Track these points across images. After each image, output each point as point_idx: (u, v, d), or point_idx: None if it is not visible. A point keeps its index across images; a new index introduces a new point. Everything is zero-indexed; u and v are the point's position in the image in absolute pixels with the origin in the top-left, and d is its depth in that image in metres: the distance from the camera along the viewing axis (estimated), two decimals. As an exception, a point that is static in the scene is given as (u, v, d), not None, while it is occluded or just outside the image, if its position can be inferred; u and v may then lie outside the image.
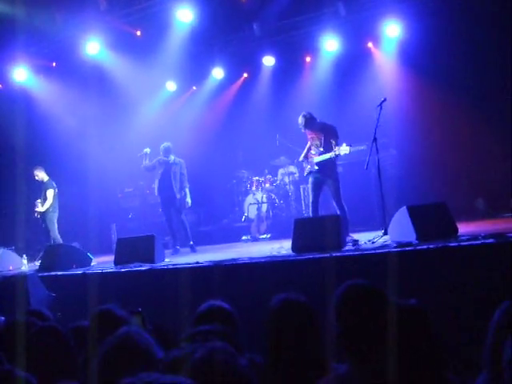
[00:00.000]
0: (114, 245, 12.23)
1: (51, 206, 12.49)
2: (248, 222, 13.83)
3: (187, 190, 11.63)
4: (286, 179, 13.95)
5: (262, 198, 13.78)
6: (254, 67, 15.11)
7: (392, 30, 12.78)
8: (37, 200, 12.53)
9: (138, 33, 13.55)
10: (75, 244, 12.16)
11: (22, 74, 14.40)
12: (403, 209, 7.49)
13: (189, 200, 11.63)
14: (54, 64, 14.67)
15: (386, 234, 7.99)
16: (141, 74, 13.91)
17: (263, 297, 6.42)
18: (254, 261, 7.49)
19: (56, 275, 9.25)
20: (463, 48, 11.86)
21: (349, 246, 7.76)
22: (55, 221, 12.55)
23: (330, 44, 13.50)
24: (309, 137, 9.86)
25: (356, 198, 11.42)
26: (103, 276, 8.42)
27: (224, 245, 12.70)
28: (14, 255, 11.76)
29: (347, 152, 9.22)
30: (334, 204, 9.51)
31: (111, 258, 9.96)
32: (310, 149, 9.85)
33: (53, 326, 3.71)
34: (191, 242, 11.57)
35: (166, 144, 11.70)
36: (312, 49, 14.14)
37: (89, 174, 14.72)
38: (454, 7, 11.86)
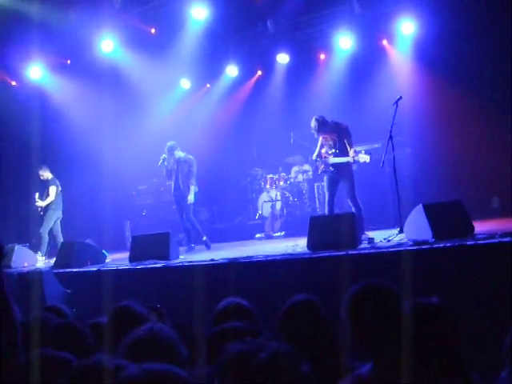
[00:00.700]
0: (128, 242, 12.33)
1: (53, 202, 12.50)
2: (262, 220, 13.81)
3: (192, 188, 11.51)
4: (300, 177, 13.91)
5: (276, 195, 13.76)
6: (268, 65, 15.06)
7: (407, 28, 12.72)
8: (36, 194, 12.51)
9: (153, 30, 13.61)
10: (89, 241, 12.21)
11: (36, 72, 14.50)
12: (419, 207, 7.44)
13: (191, 197, 11.47)
14: (68, 62, 14.74)
15: (401, 232, 7.95)
16: (155, 72, 13.94)
17: (279, 294, 6.47)
18: (269, 258, 7.47)
19: (71, 272, 9.29)
20: (479, 46, 11.75)
21: (364, 244, 7.72)
22: (53, 219, 12.53)
23: (345, 41, 13.44)
24: (322, 137, 9.82)
25: (370, 196, 11.37)
26: (118, 273, 8.45)
27: (238, 242, 12.67)
28: (28, 252, 11.81)
29: (367, 161, 9.18)
30: (349, 202, 9.48)
31: (125, 255, 9.99)
32: (322, 146, 9.80)
33: (71, 322, 3.72)
34: (204, 238, 11.52)
35: (169, 143, 11.66)
36: (326, 46, 14.08)
37: (103, 171, 14.79)
38: (470, 3, 11.76)
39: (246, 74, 15.54)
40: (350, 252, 6.78)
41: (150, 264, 8.48)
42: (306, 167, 13.89)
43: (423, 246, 6.48)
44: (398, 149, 9.16)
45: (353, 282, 5.61)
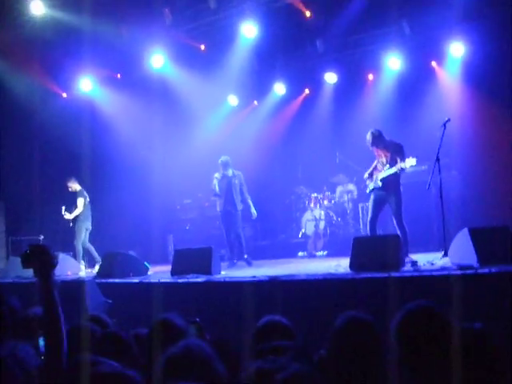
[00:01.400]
0: (171, 255, 12.39)
1: (81, 214, 12.65)
2: (305, 239, 13.76)
3: (250, 202, 11.73)
4: (345, 197, 13.85)
5: (320, 214, 13.70)
6: (316, 83, 15.09)
7: (456, 50, 12.63)
8: (62, 208, 12.68)
9: (202, 47, 13.76)
10: (132, 252, 12.31)
11: (87, 84, 14.81)
12: (464, 231, 7.33)
13: (254, 211, 11.78)
14: (118, 75, 15.00)
15: (445, 255, 7.84)
16: (204, 88, 14.07)
17: (320, 314, 6.44)
18: (311, 277, 7.43)
19: (113, 282, 9.36)
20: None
21: (408, 267, 7.62)
22: (83, 230, 12.69)
23: (393, 62, 13.40)
24: (376, 153, 9.73)
25: (415, 218, 11.24)
26: (160, 286, 8.48)
27: (280, 260, 12.63)
28: (72, 261, 11.97)
29: (413, 164, 9.02)
30: (395, 223, 9.34)
31: (167, 268, 10.04)
32: (375, 167, 9.72)
33: (116, 332, 3.75)
34: (246, 256, 11.57)
35: (224, 158, 11.73)
36: (375, 66, 14.05)
37: (149, 184, 14.98)
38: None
39: (293, 92, 15.60)
40: (392, 274, 6.70)
41: (191, 278, 8.50)
42: (351, 187, 13.83)
43: (468, 271, 6.36)
44: (444, 171, 9.07)
45: (396, 305, 5.56)
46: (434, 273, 6.72)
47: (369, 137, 9.62)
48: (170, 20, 12.37)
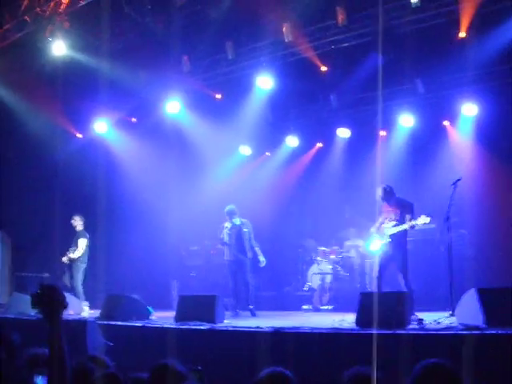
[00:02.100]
0: (174, 301, 12.30)
1: (82, 255, 12.63)
2: (310, 292, 13.66)
3: (258, 250, 11.73)
4: (353, 252, 13.80)
5: (327, 268, 13.63)
6: (329, 138, 15.23)
7: (469, 110, 12.76)
8: (70, 248, 12.67)
9: (218, 96, 13.93)
10: (135, 296, 12.23)
11: (102, 127, 14.95)
12: (472, 291, 7.26)
13: (262, 258, 11.76)
14: (134, 119, 15.15)
15: (452, 315, 7.75)
16: (217, 136, 14.22)
17: (324, 368, 6.37)
18: (315, 331, 7.35)
19: (115, 325, 9.29)
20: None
21: (413, 325, 7.54)
22: (81, 271, 12.64)
23: (406, 120, 13.53)
24: (384, 210, 9.71)
25: (422, 276, 11.20)
26: (163, 331, 8.41)
27: (284, 312, 12.55)
28: (75, 300, 11.90)
29: (427, 222, 9.02)
30: (401, 280, 9.29)
31: (170, 313, 9.97)
32: (382, 223, 9.70)
33: (114, 373, 3.71)
34: (251, 306, 11.49)
35: (230, 207, 11.79)
36: (387, 123, 14.16)
37: (157, 229, 14.96)
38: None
39: (305, 145, 15.72)
40: (398, 331, 6.62)
41: (194, 325, 8.42)
42: (359, 242, 13.78)
43: (474, 331, 6.28)
44: (453, 230, 9.04)
45: (400, 362, 5.49)
46: (440, 332, 6.63)
47: (380, 192, 9.63)
48: (187, 67, 12.55)
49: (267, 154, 16.42)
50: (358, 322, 7.50)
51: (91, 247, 12.78)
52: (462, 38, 10.98)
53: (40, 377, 3.95)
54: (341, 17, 10.79)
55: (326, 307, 12.93)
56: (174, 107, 13.85)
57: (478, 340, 6.00)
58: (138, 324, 9.08)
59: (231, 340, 7.61)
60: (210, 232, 12.47)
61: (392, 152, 14.12)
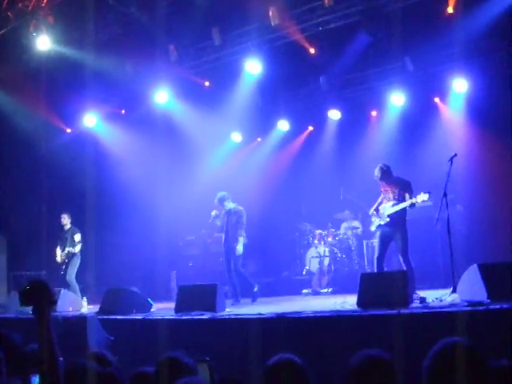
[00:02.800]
0: (173, 292, 12.27)
1: (79, 250, 12.62)
2: (309, 276, 13.64)
3: (240, 239, 11.39)
4: (349, 233, 13.79)
5: (324, 251, 13.60)
6: (320, 120, 15.17)
7: (459, 86, 12.72)
8: (66, 247, 12.62)
9: (207, 83, 13.85)
10: (135, 289, 12.18)
11: (91, 120, 14.85)
12: (473, 267, 7.23)
13: (240, 248, 11.35)
14: (123, 111, 15.06)
15: (454, 292, 7.73)
16: (208, 124, 14.16)
17: (329, 351, 6.33)
18: (318, 315, 7.31)
19: (116, 319, 9.23)
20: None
21: (416, 304, 7.52)
22: (76, 267, 12.62)
23: (397, 99, 13.49)
24: (382, 189, 9.70)
25: (421, 254, 11.17)
26: (164, 322, 8.35)
27: (284, 297, 12.51)
28: (74, 296, 11.84)
29: (425, 199, 8.99)
30: (401, 259, 9.27)
31: (170, 304, 9.93)
32: (381, 203, 9.68)
33: (111, 372, 3.65)
34: (255, 289, 11.40)
35: (220, 194, 11.65)
36: (378, 103, 14.16)
37: (152, 220, 14.91)
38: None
39: (297, 128, 15.66)
40: (402, 311, 6.59)
41: (196, 315, 8.37)
42: (356, 223, 13.79)
43: (478, 307, 6.26)
44: (449, 206, 8.99)
45: (405, 341, 5.45)
46: (444, 309, 6.61)
47: (377, 171, 9.61)
48: (174, 56, 12.43)
49: (259, 139, 16.36)
50: (360, 303, 7.46)
51: (84, 242, 12.73)
52: (450, 14, 10.91)
53: (37, 376, 3.90)
54: (327, -3, 10.70)
55: (325, 290, 12.92)
56: (162, 97, 13.76)
57: (483, 315, 5.99)
58: (139, 317, 9.02)
59: (234, 328, 7.56)
60: (205, 221, 12.37)
61: (384, 131, 14.12)
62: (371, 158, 12.70)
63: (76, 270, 12.58)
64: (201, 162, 15.21)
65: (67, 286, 12.31)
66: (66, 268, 12.61)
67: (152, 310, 10.22)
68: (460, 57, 12.11)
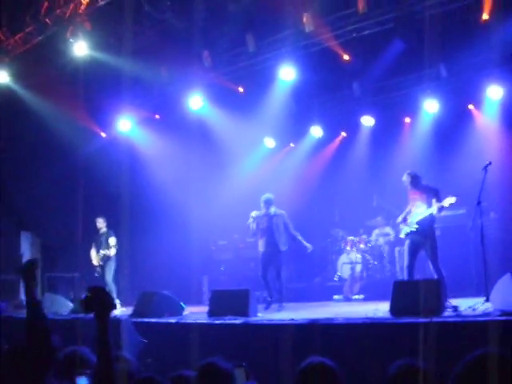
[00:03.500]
0: (205, 296, 12.34)
1: (115, 253, 12.80)
2: (340, 282, 13.64)
3: (301, 238, 11.42)
4: (381, 240, 13.75)
5: (356, 258, 13.60)
6: (353, 126, 15.14)
7: (494, 93, 12.61)
8: (100, 250, 12.87)
9: (241, 89, 13.92)
10: (167, 292, 12.28)
11: (126, 125, 15.03)
12: (507, 276, 7.20)
13: (307, 245, 11.44)
14: (157, 116, 15.20)
15: (487, 301, 7.68)
16: (241, 130, 14.21)
17: (360, 358, 6.34)
18: (350, 321, 7.33)
19: (149, 322, 9.33)
20: None
21: (449, 312, 7.49)
22: (114, 270, 12.87)
23: (431, 105, 13.41)
24: (411, 197, 9.66)
25: (453, 262, 11.11)
26: (197, 327, 8.43)
27: (315, 303, 12.49)
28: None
29: (453, 202, 8.92)
30: (431, 267, 9.22)
31: (202, 308, 10.00)
32: (409, 212, 9.64)
33: (152, 377, 3.72)
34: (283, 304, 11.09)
35: (267, 195, 11.50)
36: (412, 109, 14.09)
37: (185, 224, 15.03)
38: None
39: (330, 134, 15.67)
40: (434, 319, 6.58)
41: (229, 320, 8.43)
42: (388, 230, 13.73)
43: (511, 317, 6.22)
44: (483, 214, 8.94)
45: (437, 350, 5.44)
46: (478, 318, 6.58)
47: (405, 177, 9.62)
48: (208, 62, 12.54)
49: (292, 145, 16.39)
50: (393, 310, 7.46)
51: (118, 246, 12.91)
52: (485, 21, 10.84)
53: (83, 377, 3.97)
54: (361, 4, 10.71)
55: (357, 297, 12.90)
56: (196, 102, 13.85)
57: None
58: (173, 320, 9.11)
59: (266, 333, 7.61)
60: (237, 226, 12.44)
61: (417, 138, 14.04)
62: (404, 165, 12.66)
63: (113, 273, 12.78)
64: (234, 167, 15.28)
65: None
66: (103, 271, 12.81)
67: (184, 313, 10.31)
68: (495, 64, 11.99)
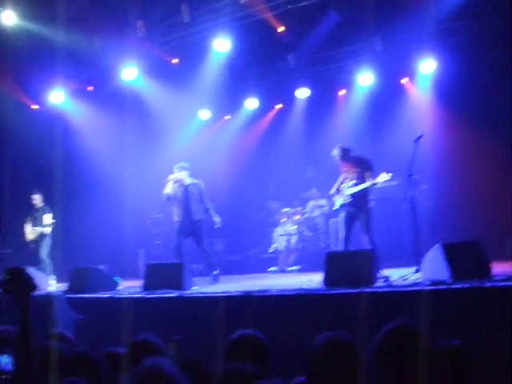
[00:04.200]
0: (141, 270, 12.24)
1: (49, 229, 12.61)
2: (276, 254, 13.73)
3: (212, 211, 10.94)
4: (316, 212, 13.87)
5: (292, 229, 13.69)
6: (288, 99, 15.17)
7: (427, 67, 12.81)
8: (36, 226, 12.63)
9: (175, 60, 13.72)
10: (102, 267, 12.14)
11: (58, 97, 14.66)
12: (437, 246, 7.34)
13: (218, 219, 10.95)
14: (90, 88, 14.88)
15: (418, 271, 7.85)
16: (176, 102, 14.07)
17: (293, 330, 6.41)
18: (284, 293, 7.38)
19: (83, 298, 9.22)
20: (499, 85, 11.70)
21: (380, 282, 7.62)
22: (49, 246, 12.65)
23: (365, 78, 13.54)
24: (343, 169, 9.72)
25: (386, 233, 11.28)
26: (131, 301, 8.36)
27: (251, 275, 12.59)
28: (41, 275, 11.76)
29: (387, 179, 9.05)
30: (366, 239, 9.38)
31: (137, 282, 9.91)
32: (342, 182, 9.72)
33: (86, 352, 3.68)
34: (215, 272, 10.84)
35: (181, 163, 11.18)
36: (346, 82, 14.19)
37: (120, 198, 14.82)
38: (489, 44, 11.78)
39: (265, 106, 15.65)
40: (365, 290, 6.69)
41: (163, 293, 8.40)
42: (323, 202, 13.85)
43: (440, 287, 6.38)
44: (415, 186, 9.10)
45: (368, 320, 5.54)
46: (407, 288, 6.72)
47: (336, 152, 9.67)
48: (143, 33, 12.31)
49: (227, 117, 16.32)
50: (326, 281, 7.54)
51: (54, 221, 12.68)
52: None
53: (5, 356, 3.90)
54: (297, -25, 10.68)
55: (292, 268, 13.02)
56: (130, 74, 13.60)
57: (445, 295, 6.11)
58: (106, 295, 9.02)
59: (200, 306, 7.61)
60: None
61: (352, 111, 14.17)
62: (339, 137, 12.78)
63: (49, 249, 12.56)
64: (169, 139, 15.11)
65: (36, 264, 12.26)
66: (38, 247, 12.57)
67: (119, 288, 10.22)
68: (429, 37, 12.15)
